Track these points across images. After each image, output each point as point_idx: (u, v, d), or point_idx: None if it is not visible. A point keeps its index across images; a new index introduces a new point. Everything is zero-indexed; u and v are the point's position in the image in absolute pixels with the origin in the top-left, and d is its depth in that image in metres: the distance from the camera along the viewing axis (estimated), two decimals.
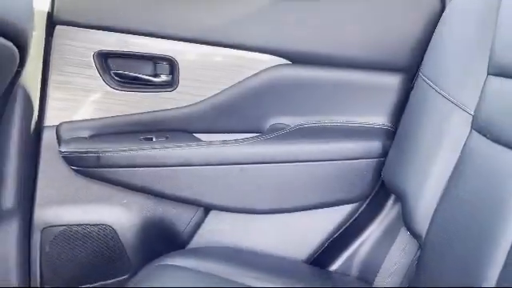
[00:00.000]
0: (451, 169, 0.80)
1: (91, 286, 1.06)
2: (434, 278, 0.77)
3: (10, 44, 0.75)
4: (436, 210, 0.80)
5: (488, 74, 0.78)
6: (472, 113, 0.79)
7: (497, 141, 0.71)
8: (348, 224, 1.07)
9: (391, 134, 1.02)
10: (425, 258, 0.82)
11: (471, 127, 0.79)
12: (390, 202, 1.06)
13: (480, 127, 0.76)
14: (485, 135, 0.74)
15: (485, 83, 0.78)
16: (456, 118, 0.82)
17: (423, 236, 0.82)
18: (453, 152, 0.80)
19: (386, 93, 1.04)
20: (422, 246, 0.83)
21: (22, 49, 0.79)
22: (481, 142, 0.75)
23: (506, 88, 0.73)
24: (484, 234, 0.67)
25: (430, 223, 0.81)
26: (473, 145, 0.77)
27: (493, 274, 0.63)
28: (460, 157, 0.79)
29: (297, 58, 1.04)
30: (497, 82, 0.76)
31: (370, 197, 1.07)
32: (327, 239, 1.07)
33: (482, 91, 0.78)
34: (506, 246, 0.63)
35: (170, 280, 0.83)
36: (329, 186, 1.04)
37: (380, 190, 1.05)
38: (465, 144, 0.79)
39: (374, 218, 1.06)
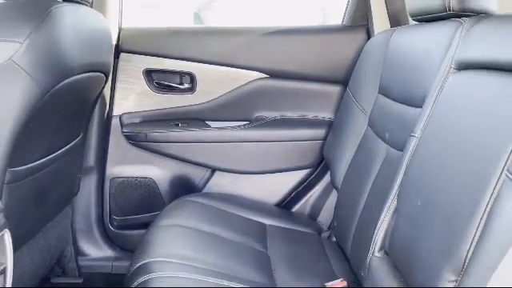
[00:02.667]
0: (356, 147, 1.34)
1: (138, 216, 1.64)
2: (349, 209, 1.28)
3: (102, 75, 1.31)
4: (346, 171, 1.35)
5: (378, 92, 1.31)
6: (368, 115, 1.33)
7: (375, 132, 1.25)
8: (304, 182, 1.64)
9: (331, 125, 1.58)
10: (339, 199, 1.38)
11: (367, 124, 1.32)
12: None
13: (370, 124, 1.30)
14: (371, 128, 1.29)
15: (376, 98, 1.32)
16: (361, 117, 1.36)
17: (339, 187, 1.38)
18: (357, 138, 1.34)
19: (329, 97, 1.60)
20: (338, 192, 1.39)
21: (106, 74, 1.36)
22: (370, 133, 1.29)
23: (383, 102, 1.26)
24: (361, 181, 1.21)
25: (344, 178, 1.36)
26: (366, 134, 1.31)
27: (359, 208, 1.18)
28: (361, 140, 1.33)
29: (273, 74, 1.60)
30: (380, 98, 1.29)
31: (321, 166, 1.64)
32: (290, 191, 1.64)
33: (374, 102, 1.32)
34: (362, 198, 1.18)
35: (188, 209, 1.40)
36: (291, 157, 1.61)
37: (324, 160, 1.62)
38: (363, 134, 1.33)
39: (321, 178, 1.62)
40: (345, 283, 1.03)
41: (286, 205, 1.65)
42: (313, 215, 1.62)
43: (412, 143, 0.93)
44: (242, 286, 0.99)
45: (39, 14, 0.95)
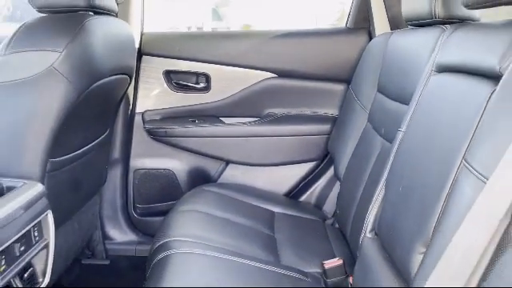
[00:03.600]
0: (356, 141, 1.47)
1: (159, 204, 1.80)
2: (349, 197, 1.41)
3: (126, 76, 1.47)
4: (348, 163, 1.48)
5: (377, 90, 1.43)
6: (368, 111, 1.45)
7: (373, 127, 1.38)
8: (311, 173, 1.78)
9: (335, 120, 1.71)
10: (342, 189, 1.51)
11: (367, 120, 1.45)
12: None
13: (370, 119, 1.43)
14: (370, 124, 1.41)
15: (375, 96, 1.44)
16: (361, 114, 1.48)
17: (342, 178, 1.51)
18: (358, 132, 1.46)
19: (333, 95, 1.72)
20: (341, 183, 1.52)
21: (130, 76, 1.51)
22: (369, 128, 1.41)
23: (381, 99, 1.38)
24: (360, 172, 1.34)
25: (345, 170, 1.48)
26: (366, 129, 1.44)
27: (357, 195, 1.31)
28: (361, 135, 1.46)
29: (281, 73, 1.74)
30: (378, 96, 1.41)
31: (326, 159, 1.76)
32: (298, 182, 1.78)
33: (373, 100, 1.44)
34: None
35: (204, 197, 1.54)
36: (299, 150, 1.74)
37: (329, 154, 1.74)
38: (363, 129, 1.45)
39: (326, 170, 1.75)
40: (341, 261, 1.16)
41: (293, 195, 1.79)
42: (318, 204, 1.75)
43: (399, 137, 1.06)
44: (249, 262, 1.13)
45: (75, 26, 1.11)
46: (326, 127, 1.72)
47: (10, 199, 0.93)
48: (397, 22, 1.60)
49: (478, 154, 0.70)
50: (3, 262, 0.86)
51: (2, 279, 0.85)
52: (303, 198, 1.77)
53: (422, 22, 1.16)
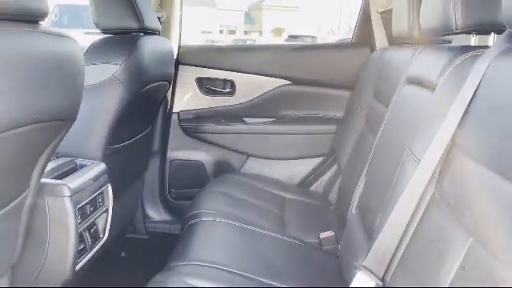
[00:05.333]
0: (356, 140, 1.75)
1: (189, 190, 2.13)
2: (348, 186, 1.71)
3: (166, 83, 1.81)
4: (348, 158, 1.76)
5: (373, 97, 1.71)
6: (365, 114, 1.73)
7: (368, 128, 1.65)
8: (319, 167, 2.07)
9: (340, 121, 1.99)
10: (342, 180, 1.79)
11: (364, 122, 1.72)
12: None
13: (366, 121, 1.70)
14: (366, 125, 1.69)
15: (371, 101, 1.71)
16: (360, 116, 1.76)
17: (343, 167, 1.79)
18: (357, 132, 1.74)
19: (339, 100, 2.01)
20: (342, 174, 1.80)
21: (169, 82, 1.86)
22: (365, 128, 1.69)
23: (374, 104, 1.65)
24: (356, 165, 1.63)
25: (346, 164, 1.77)
26: (363, 129, 1.71)
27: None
28: (359, 134, 1.74)
29: (295, 81, 2.04)
30: (373, 101, 1.68)
31: (334, 155, 2.05)
32: (308, 174, 2.07)
33: (370, 105, 1.72)
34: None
35: (228, 183, 1.86)
36: (309, 147, 2.04)
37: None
38: (361, 129, 1.73)
39: (332, 164, 2.04)
40: (333, 233, 1.45)
41: (303, 185, 2.08)
42: (325, 193, 2.03)
43: (378, 134, 1.34)
44: (260, 230, 1.44)
45: (130, 45, 1.45)
46: (332, 127, 2.01)
47: (84, 173, 1.28)
48: (394, 39, 1.86)
49: (416, 143, 0.98)
50: (80, 217, 1.21)
51: (79, 228, 1.19)
52: (312, 187, 2.07)
53: (404, 42, 1.44)
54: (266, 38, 21.13)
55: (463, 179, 0.74)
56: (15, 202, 0.97)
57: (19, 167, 0.93)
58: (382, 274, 0.89)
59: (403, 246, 0.87)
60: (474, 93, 0.76)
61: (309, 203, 1.86)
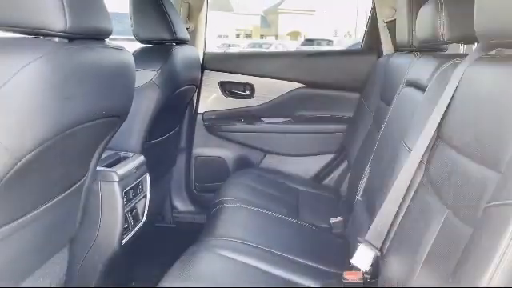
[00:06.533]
0: (363, 138, 1.93)
1: (212, 184, 2.34)
2: (355, 178, 1.90)
3: (193, 86, 2.04)
4: (356, 154, 1.95)
5: (380, 99, 1.89)
6: (372, 114, 1.92)
7: (375, 126, 1.84)
8: (331, 163, 2.26)
9: (350, 121, 2.18)
10: (351, 173, 1.98)
11: (372, 121, 1.91)
12: None
13: (373, 121, 1.89)
14: (373, 124, 1.87)
15: (378, 102, 1.90)
16: (369, 116, 1.95)
17: (352, 165, 1.98)
18: (365, 131, 1.93)
19: (349, 101, 2.20)
20: (351, 168, 1.99)
21: (196, 85, 2.08)
22: (372, 127, 1.87)
23: (381, 105, 1.84)
24: (364, 159, 1.82)
25: (355, 159, 1.95)
26: (371, 128, 1.90)
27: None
28: (367, 133, 1.92)
29: (309, 84, 2.24)
30: (380, 102, 1.87)
31: (344, 152, 2.24)
32: (321, 169, 2.27)
33: (377, 106, 1.90)
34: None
35: (247, 176, 2.06)
36: (322, 144, 2.23)
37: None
38: (369, 128, 1.92)
39: (343, 160, 2.23)
40: (342, 218, 1.64)
41: (316, 179, 2.27)
42: (336, 187, 2.22)
43: (381, 130, 1.53)
44: (276, 214, 1.64)
45: (165, 54, 1.68)
46: (342, 126, 2.21)
47: (128, 163, 1.50)
48: (398, 46, 2.05)
49: (409, 136, 1.17)
50: (125, 199, 1.43)
51: (124, 208, 1.41)
52: (324, 182, 2.26)
53: (405, 49, 1.63)
54: (282, 42, 21.21)
55: (445, 164, 0.92)
56: (77, 184, 1.19)
57: (84, 155, 1.15)
58: (380, 246, 1.08)
59: (397, 222, 1.06)
60: (453, 93, 0.95)
61: (321, 195, 2.06)
